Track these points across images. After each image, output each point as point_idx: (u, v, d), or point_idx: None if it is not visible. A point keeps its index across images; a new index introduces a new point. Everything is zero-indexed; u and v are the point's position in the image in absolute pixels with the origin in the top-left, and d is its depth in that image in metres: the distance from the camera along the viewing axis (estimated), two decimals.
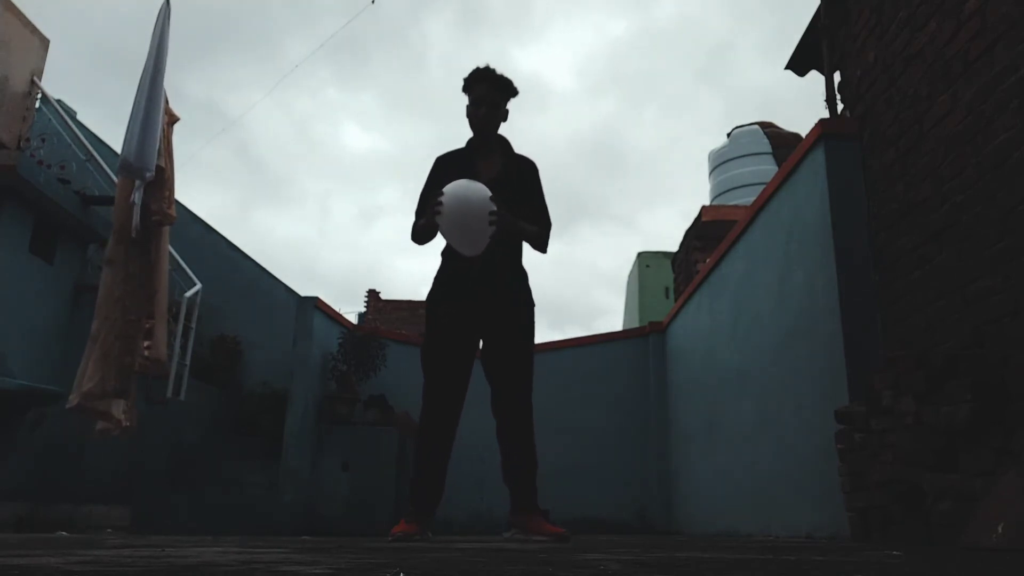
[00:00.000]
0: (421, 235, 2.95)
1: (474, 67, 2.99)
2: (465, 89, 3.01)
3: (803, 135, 4.17)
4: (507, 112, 3.04)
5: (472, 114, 2.98)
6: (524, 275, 3.07)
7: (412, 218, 3.03)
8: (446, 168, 3.00)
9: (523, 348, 3.00)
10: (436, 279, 3.03)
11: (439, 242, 2.99)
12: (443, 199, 2.73)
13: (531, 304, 3.06)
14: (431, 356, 2.93)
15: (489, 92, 2.96)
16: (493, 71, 2.97)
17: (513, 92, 3.02)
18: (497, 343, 2.96)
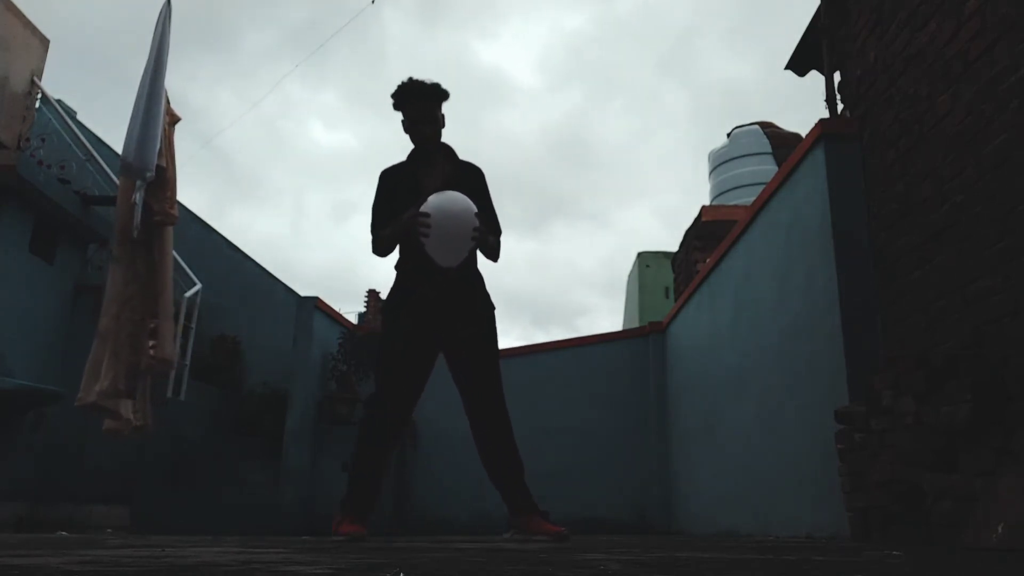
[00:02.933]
0: (386, 247, 2.96)
1: (400, 83, 2.94)
2: (397, 107, 2.96)
3: (802, 135, 4.17)
4: (443, 117, 3.01)
5: (411, 130, 2.97)
6: (482, 279, 3.08)
7: (369, 231, 3.02)
8: (393, 182, 3.00)
9: (495, 352, 3.00)
10: (397, 287, 3.01)
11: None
12: (431, 213, 2.74)
13: (492, 307, 3.06)
14: (393, 363, 2.90)
15: (424, 107, 2.93)
16: (422, 84, 2.92)
17: (445, 96, 2.98)
18: (470, 350, 2.95)
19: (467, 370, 2.94)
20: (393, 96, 2.95)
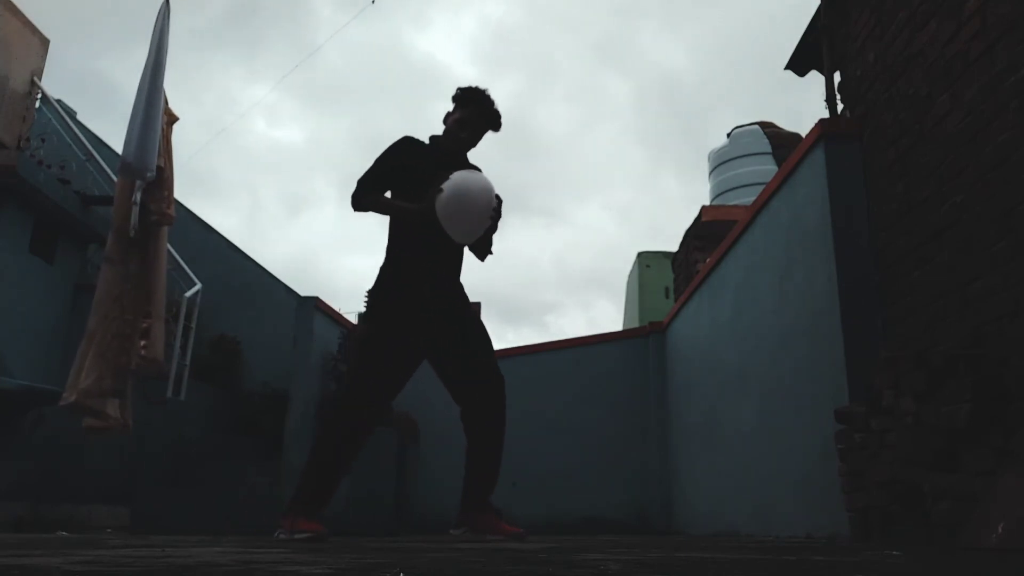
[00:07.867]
0: (372, 210, 2.91)
1: (474, 86, 3.02)
2: (457, 101, 3.03)
3: (801, 134, 4.17)
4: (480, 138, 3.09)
5: (452, 131, 3.02)
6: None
7: (359, 180, 2.94)
8: (411, 154, 2.98)
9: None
10: (391, 277, 2.93)
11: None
12: (454, 185, 2.76)
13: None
14: (385, 361, 2.84)
15: (476, 118, 3.00)
16: (491, 100, 3.01)
17: (496, 127, 3.06)
18: (475, 349, 2.96)
19: (482, 372, 2.94)
20: (468, 92, 3.00)
